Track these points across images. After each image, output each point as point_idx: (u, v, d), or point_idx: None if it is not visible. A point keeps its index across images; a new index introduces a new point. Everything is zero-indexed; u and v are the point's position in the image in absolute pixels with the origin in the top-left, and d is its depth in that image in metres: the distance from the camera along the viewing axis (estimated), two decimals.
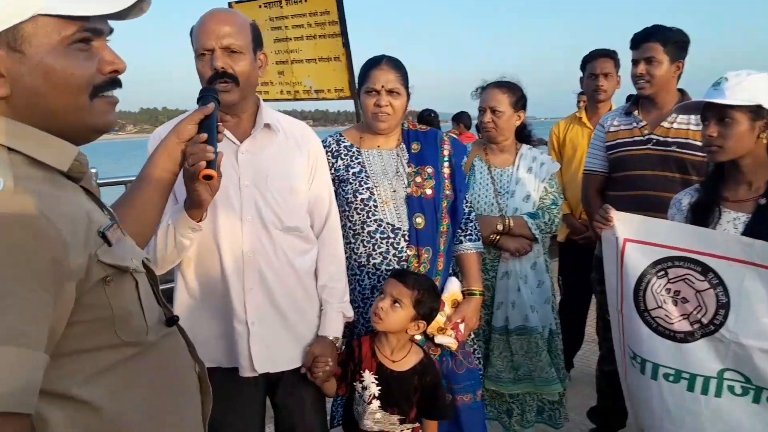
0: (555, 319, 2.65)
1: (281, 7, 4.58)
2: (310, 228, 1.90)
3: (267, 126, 1.79)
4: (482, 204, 2.58)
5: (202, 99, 1.45)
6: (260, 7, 4.69)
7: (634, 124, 2.71)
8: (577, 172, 3.21)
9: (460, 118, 7.11)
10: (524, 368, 2.57)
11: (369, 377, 1.92)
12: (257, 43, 1.74)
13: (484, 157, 2.67)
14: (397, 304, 1.89)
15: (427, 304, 1.94)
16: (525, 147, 2.70)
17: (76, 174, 0.97)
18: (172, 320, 1.10)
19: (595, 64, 3.38)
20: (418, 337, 2.09)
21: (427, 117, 5.86)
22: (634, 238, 1.94)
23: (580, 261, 3.11)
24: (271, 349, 1.79)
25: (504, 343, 2.56)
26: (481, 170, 2.64)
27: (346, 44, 4.36)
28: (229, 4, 4.83)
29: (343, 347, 1.97)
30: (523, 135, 2.74)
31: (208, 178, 1.32)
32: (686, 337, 1.88)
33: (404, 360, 1.96)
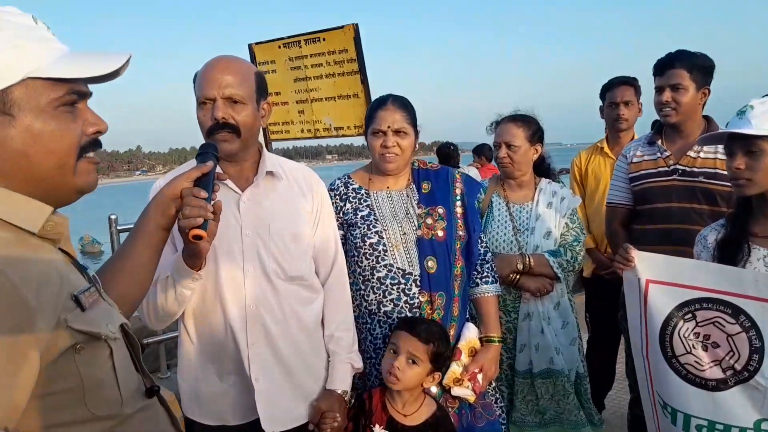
0: (582, 361, 2.53)
1: (300, 46, 4.64)
2: (315, 276, 1.84)
3: (270, 173, 1.76)
4: (501, 242, 2.50)
5: (201, 156, 1.42)
6: (280, 47, 4.76)
7: (659, 154, 2.60)
8: (601, 205, 3.10)
9: (482, 151, 6.97)
10: (551, 411, 2.45)
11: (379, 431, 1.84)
12: (261, 92, 1.71)
13: (502, 192, 2.60)
14: (412, 362, 1.82)
15: (444, 356, 1.87)
16: (544, 181, 2.62)
17: (52, 235, 0.94)
18: (152, 390, 1.04)
19: (616, 92, 3.28)
20: (434, 389, 2.00)
21: (447, 150, 5.78)
22: (658, 279, 1.83)
23: (608, 296, 2.97)
24: (277, 407, 1.73)
25: (528, 386, 2.44)
26: (499, 207, 2.57)
27: (364, 81, 4.38)
28: (250, 45, 4.92)
29: (353, 400, 1.89)
30: (543, 168, 2.66)
31: (198, 238, 1.28)
32: (719, 385, 1.75)
33: (416, 413, 1.87)
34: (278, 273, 1.72)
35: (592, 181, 3.38)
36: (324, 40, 4.50)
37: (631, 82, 3.29)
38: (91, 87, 0.99)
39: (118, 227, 3.27)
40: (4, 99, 0.87)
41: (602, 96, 3.39)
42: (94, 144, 0.99)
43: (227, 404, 1.73)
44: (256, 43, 4.89)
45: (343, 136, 4.63)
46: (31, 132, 0.89)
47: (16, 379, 0.78)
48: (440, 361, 1.86)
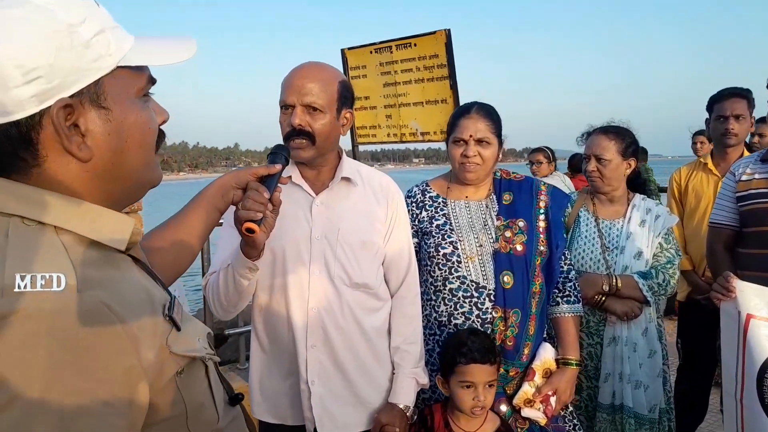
0: (668, 394, 2.33)
1: (391, 52, 4.67)
2: (384, 284, 1.81)
3: (346, 179, 1.75)
4: (587, 260, 2.36)
5: (272, 156, 1.44)
6: (371, 52, 4.81)
7: None
8: (701, 224, 2.87)
9: (572, 160, 6.68)
10: None
11: None
12: (344, 101, 1.69)
13: (591, 207, 2.45)
14: (491, 386, 1.78)
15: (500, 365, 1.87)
16: (638, 197, 2.44)
17: (129, 244, 0.86)
18: (236, 399, 0.99)
19: (725, 104, 3.01)
20: (503, 409, 1.92)
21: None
22: (761, 315, 1.65)
23: (704, 323, 2.74)
24: (331, 411, 1.71)
25: (610, 423, 2.27)
26: (587, 222, 2.42)
27: (453, 86, 4.34)
28: (342, 50, 5.00)
29: (415, 416, 1.84)
30: (637, 184, 2.49)
31: (250, 231, 1.29)
32: None
33: (480, 430, 1.80)
34: (343, 279, 1.70)
35: (692, 198, 3.14)
36: (415, 45, 4.50)
37: (743, 94, 3.02)
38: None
39: None
40: (99, 91, 0.79)
41: (709, 108, 3.14)
42: (161, 135, 0.92)
43: (286, 404, 1.74)
44: (349, 49, 4.96)
45: (429, 141, 4.61)
46: (125, 126, 0.82)
47: (128, 419, 0.71)
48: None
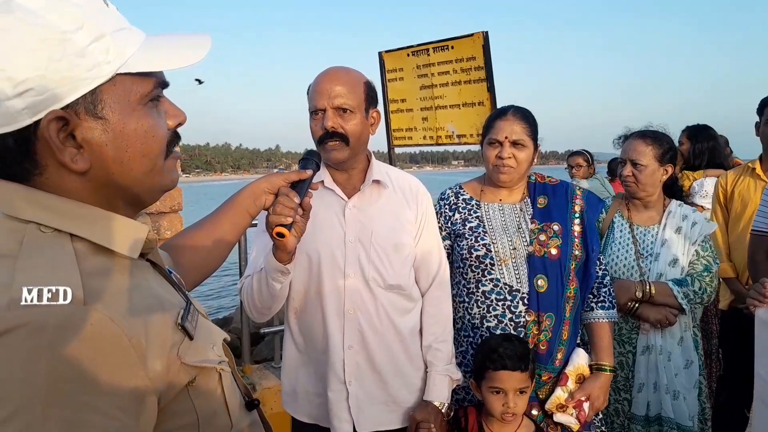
0: (703, 405, 2.28)
1: (428, 54, 4.68)
2: (416, 285, 1.84)
3: (376, 182, 1.78)
4: (621, 267, 2.33)
5: (303, 161, 1.47)
6: (408, 55, 4.83)
7: None
8: (746, 231, 2.78)
9: (610, 165, 6.53)
10: None
11: None
12: (371, 101, 1.74)
13: (625, 213, 2.42)
14: (522, 393, 1.79)
15: (534, 366, 1.85)
16: (674, 203, 2.41)
17: (145, 250, 0.86)
18: (252, 404, 0.98)
19: None
20: (535, 413, 1.92)
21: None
22: None
23: (746, 332, 2.66)
24: (367, 411, 1.75)
25: None
26: (621, 228, 2.40)
27: (491, 89, 4.33)
28: (380, 53, 5.04)
29: (451, 412, 1.85)
30: (674, 190, 2.44)
31: (281, 235, 1.32)
32: None
33: None
34: (377, 281, 1.74)
35: (738, 204, 3.05)
36: (452, 48, 4.50)
37: None
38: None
39: None
40: (95, 101, 0.76)
41: (760, 111, 3.04)
42: (176, 137, 0.89)
43: (320, 404, 1.77)
44: (386, 52, 5.00)
45: (465, 143, 4.60)
46: (125, 135, 0.79)
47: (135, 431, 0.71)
48: (535, 376, 1.85)
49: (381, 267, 1.74)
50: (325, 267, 1.72)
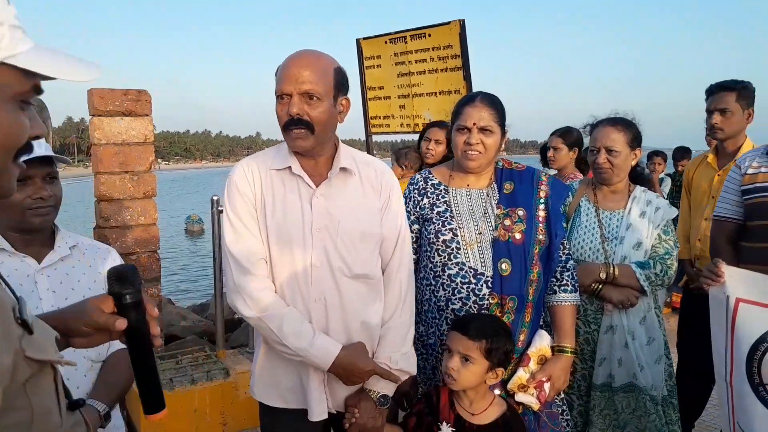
0: (669, 382, 2.36)
1: (406, 42, 4.70)
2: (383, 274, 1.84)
3: (343, 169, 1.77)
4: (587, 250, 2.39)
5: (118, 283, 1.07)
6: (386, 42, 4.85)
7: None
8: (698, 218, 2.92)
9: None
10: (632, 426, 2.32)
11: (446, 429, 1.82)
12: (340, 88, 1.71)
13: (592, 197, 2.48)
14: (467, 361, 1.79)
15: (500, 350, 1.81)
16: (639, 189, 2.47)
17: None
18: (75, 404, 0.96)
19: (712, 99, 3.01)
20: (497, 393, 1.96)
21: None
22: (751, 299, 1.68)
23: (699, 312, 2.78)
24: (340, 392, 1.78)
25: (606, 400, 2.33)
26: (587, 212, 2.45)
27: (467, 77, 4.37)
28: (357, 40, 5.04)
29: (387, 404, 1.83)
30: (636, 174, 2.50)
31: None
32: None
33: (485, 413, 1.83)
34: (343, 270, 1.73)
35: (695, 191, 3.19)
36: (429, 35, 4.53)
37: (732, 87, 2.97)
38: None
39: (219, 208, 3.50)
40: None
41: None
42: (28, 148, 0.85)
43: (288, 387, 1.79)
44: (364, 39, 5.01)
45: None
46: None
47: None
48: (497, 356, 1.80)
49: (347, 256, 1.73)
50: (291, 254, 1.72)
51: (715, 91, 3.04)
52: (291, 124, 1.66)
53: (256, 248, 1.72)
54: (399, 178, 3.06)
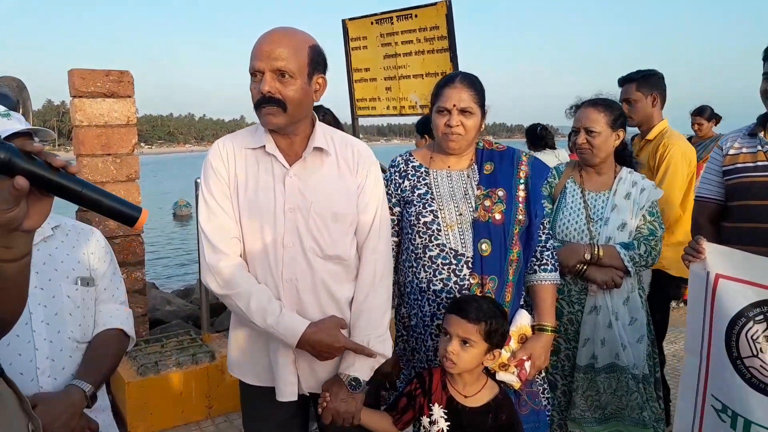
0: (652, 360, 2.40)
1: (392, 23, 4.66)
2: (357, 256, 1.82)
3: (318, 149, 1.74)
4: (572, 230, 2.39)
5: None
6: (372, 23, 4.80)
7: (759, 147, 2.37)
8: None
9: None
10: (613, 407, 2.35)
11: (438, 411, 1.81)
12: (315, 66, 1.68)
13: (578, 179, 2.49)
14: (466, 344, 1.78)
15: (499, 332, 1.81)
16: (625, 170, 2.47)
17: None
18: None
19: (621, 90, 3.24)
20: None
21: (536, 132, 5.34)
22: (730, 275, 1.71)
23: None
24: (311, 373, 1.78)
25: (589, 382, 2.35)
26: (573, 193, 2.46)
27: (453, 59, 4.34)
28: (343, 21, 4.99)
29: (361, 389, 1.80)
30: (624, 156, 2.52)
31: None
32: None
33: (477, 395, 1.83)
34: (315, 251, 1.72)
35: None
36: (416, 16, 4.49)
37: (632, 78, 3.21)
38: None
39: None
40: None
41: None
42: None
43: (264, 365, 1.79)
44: (350, 19, 4.95)
45: (429, 114, 4.63)
46: None
47: None
48: (496, 337, 1.80)
49: (319, 237, 1.71)
50: (263, 234, 1.70)
51: (620, 83, 3.29)
52: (262, 102, 1.63)
53: (229, 227, 1.71)
54: None
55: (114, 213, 0.96)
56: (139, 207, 0.97)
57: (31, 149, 0.89)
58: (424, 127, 4.18)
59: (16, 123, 1.54)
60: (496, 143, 2.18)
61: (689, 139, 6.16)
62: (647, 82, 3.21)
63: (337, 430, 1.80)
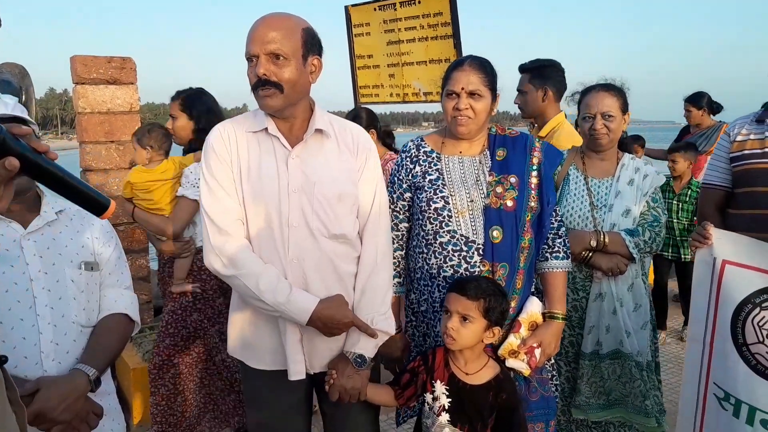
0: (654, 347, 2.40)
1: (395, 9, 4.62)
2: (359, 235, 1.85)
3: (319, 131, 1.78)
4: (576, 217, 2.39)
5: None
6: (375, 9, 4.77)
7: (767, 134, 2.36)
8: None
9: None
10: (616, 393, 2.37)
11: (440, 388, 1.84)
12: (309, 47, 1.70)
13: (581, 165, 2.47)
14: (466, 320, 1.81)
15: (497, 309, 1.84)
16: (627, 156, 2.47)
17: None
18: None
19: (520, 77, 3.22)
20: None
21: None
22: (737, 261, 1.71)
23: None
24: (318, 351, 1.80)
25: (593, 369, 2.36)
26: (576, 180, 2.45)
27: (457, 45, 4.31)
28: (346, 7, 4.95)
29: (366, 366, 1.84)
30: (621, 142, 2.51)
31: None
32: None
33: (479, 373, 1.86)
34: (321, 231, 1.75)
35: None
36: (419, 3, 4.46)
37: (526, 68, 3.18)
38: None
39: None
40: None
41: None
42: None
43: (270, 349, 1.81)
44: (353, 6, 4.91)
45: (432, 101, 4.60)
46: None
47: None
48: (494, 314, 1.83)
49: (324, 217, 1.74)
50: (269, 216, 1.72)
51: (520, 71, 3.26)
52: (259, 85, 1.66)
53: (233, 209, 1.72)
54: (146, 163, 2.86)
55: (88, 200, 1.00)
56: (108, 198, 1.01)
57: (18, 132, 0.91)
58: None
59: (6, 107, 1.56)
60: (509, 129, 2.17)
61: (685, 128, 5.91)
62: (540, 74, 3.14)
63: (340, 407, 1.84)
